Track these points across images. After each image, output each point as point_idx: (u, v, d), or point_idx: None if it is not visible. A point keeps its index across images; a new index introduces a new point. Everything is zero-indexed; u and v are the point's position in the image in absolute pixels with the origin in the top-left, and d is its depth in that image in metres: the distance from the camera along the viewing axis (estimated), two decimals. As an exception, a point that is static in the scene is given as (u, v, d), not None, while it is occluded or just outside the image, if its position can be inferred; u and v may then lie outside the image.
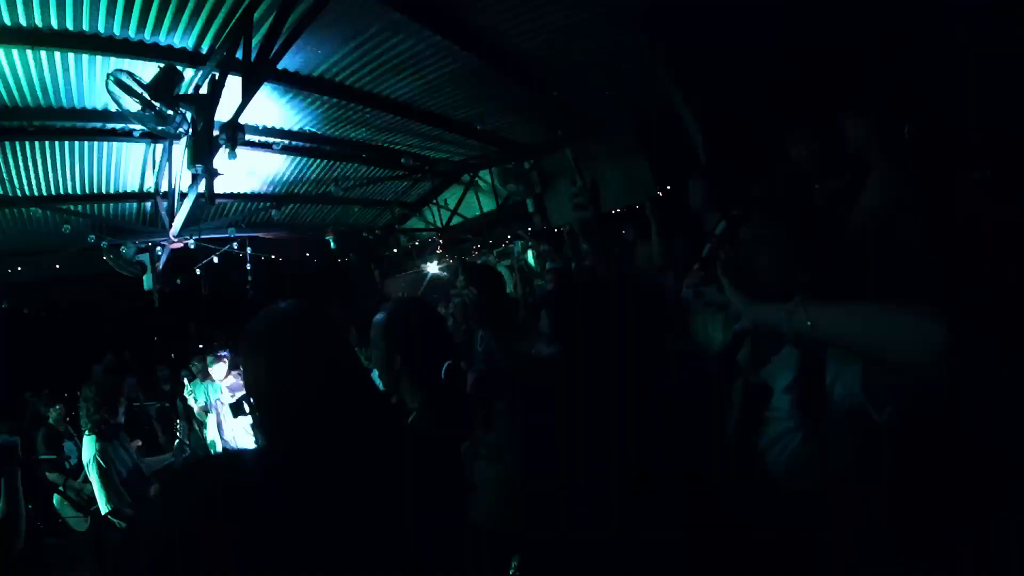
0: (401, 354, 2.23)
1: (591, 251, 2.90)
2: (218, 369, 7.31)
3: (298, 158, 7.78)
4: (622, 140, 8.26)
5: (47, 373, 8.87)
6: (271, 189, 8.43)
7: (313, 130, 7.23)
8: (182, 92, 5.19)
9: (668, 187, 7.70)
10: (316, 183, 8.59)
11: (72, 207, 7.06)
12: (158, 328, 8.68)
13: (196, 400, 7.52)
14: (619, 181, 8.23)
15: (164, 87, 4.87)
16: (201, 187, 5.90)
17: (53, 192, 6.74)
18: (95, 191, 7.02)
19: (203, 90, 5.39)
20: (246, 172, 7.66)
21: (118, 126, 5.98)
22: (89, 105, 5.57)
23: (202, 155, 5.39)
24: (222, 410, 6.98)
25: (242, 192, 8.24)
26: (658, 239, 5.42)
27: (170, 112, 4.99)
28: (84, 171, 6.60)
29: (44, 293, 8.81)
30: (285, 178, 8.24)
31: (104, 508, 4.42)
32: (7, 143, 5.71)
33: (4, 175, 6.17)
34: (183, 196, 6.51)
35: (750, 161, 4.70)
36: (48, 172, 6.41)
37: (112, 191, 7.14)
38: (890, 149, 2.55)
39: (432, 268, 10.76)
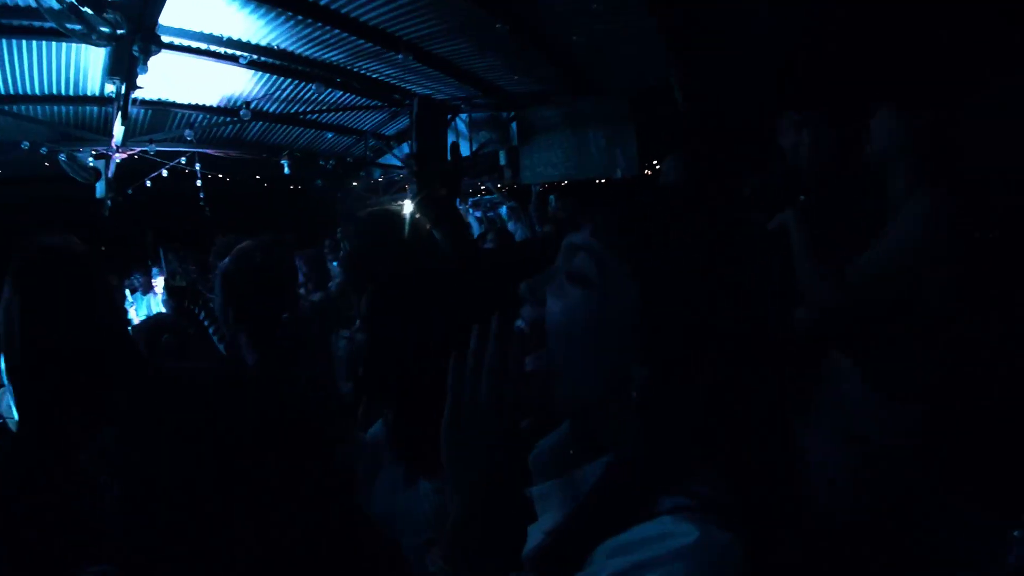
0: (235, 306, 2.06)
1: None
2: (157, 283, 7.34)
3: (268, 75, 7.28)
4: (615, 106, 7.84)
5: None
6: (237, 104, 7.91)
7: (284, 48, 6.74)
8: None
9: (654, 162, 7.37)
10: (287, 102, 8.10)
11: (25, 108, 6.69)
12: (106, 237, 8.30)
13: (137, 313, 7.39)
14: (600, 149, 7.90)
15: None
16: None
17: (8, 93, 6.37)
18: (54, 92, 6.59)
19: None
20: (208, 83, 7.19)
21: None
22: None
23: (118, 66, 5.08)
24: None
25: (204, 104, 7.74)
26: None
27: (93, 17, 4.48)
28: (44, 70, 6.16)
29: None
30: (254, 94, 7.73)
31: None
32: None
33: None
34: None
35: (741, 154, 4.44)
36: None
37: (72, 93, 6.70)
38: (938, 171, 2.20)
39: (408, 205, 10.36)
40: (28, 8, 4.95)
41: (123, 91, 5.68)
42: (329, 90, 7.84)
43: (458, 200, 7.47)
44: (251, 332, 2.10)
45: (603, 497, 0.84)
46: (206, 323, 3.32)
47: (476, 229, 8.77)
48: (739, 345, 0.83)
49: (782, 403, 0.87)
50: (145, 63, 5.13)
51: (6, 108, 6.51)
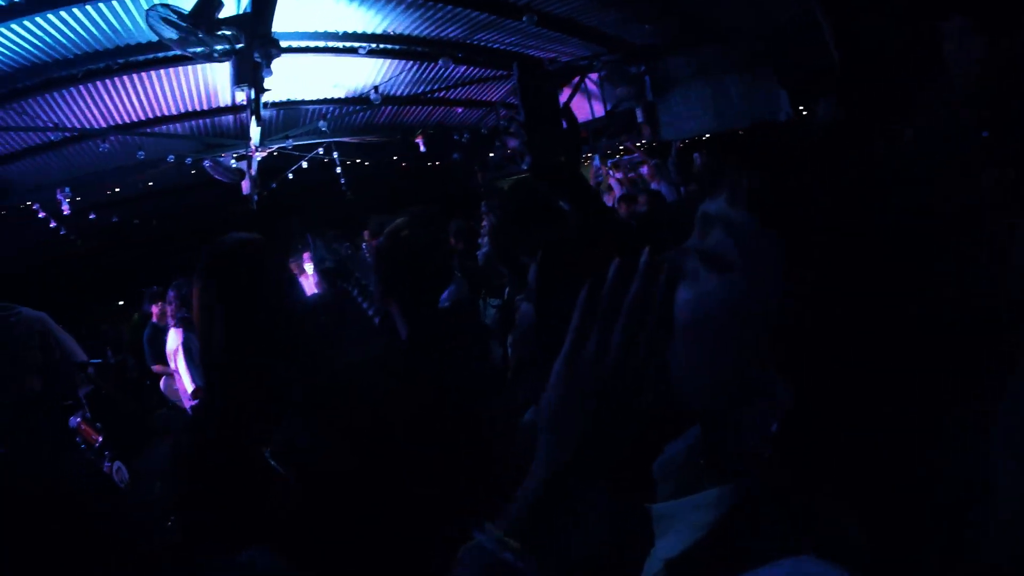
0: (387, 282, 2.07)
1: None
2: (307, 267, 7.55)
3: (390, 60, 7.32)
4: (748, 49, 7.04)
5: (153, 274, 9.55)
6: (365, 92, 8.01)
7: (401, 32, 6.74)
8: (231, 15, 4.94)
9: (800, 108, 6.48)
10: (413, 83, 8.09)
11: (167, 127, 7.32)
12: (258, 228, 8.93)
13: None
14: (741, 96, 7.13)
15: (203, 14, 4.57)
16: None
17: (152, 116, 7.00)
18: (192, 109, 7.16)
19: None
20: (333, 76, 7.36)
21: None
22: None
23: (244, 74, 5.23)
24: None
25: (332, 97, 7.93)
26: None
27: (209, 37, 4.72)
28: (179, 93, 6.74)
29: (148, 203, 9.36)
30: (379, 79, 7.78)
31: (189, 388, 5.15)
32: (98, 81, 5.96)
33: (108, 106, 6.50)
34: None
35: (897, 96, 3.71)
36: (142, 99, 6.62)
37: (208, 107, 7.24)
38: None
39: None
40: (151, 43, 5.34)
41: (252, 96, 5.97)
42: (452, 66, 7.72)
43: (596, 161, 7.07)
44: (404, 306, 2.09)
45: (727, 533, 0.71)
46: (360, 299, 3.41)
47: (618, 191, 8.35)
48: (927, 360, 0.62)
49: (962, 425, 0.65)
50: (268, 66, 5.33)
51: (150, 130, 7.14)
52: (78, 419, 3.67)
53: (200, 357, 1.78)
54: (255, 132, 6.91)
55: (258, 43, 5.12)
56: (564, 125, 1.74)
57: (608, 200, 8.30)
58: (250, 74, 5.35)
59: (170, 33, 4.62)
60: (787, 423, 0.66)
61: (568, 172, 1.79)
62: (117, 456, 5.40)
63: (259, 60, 5.23)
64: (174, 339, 5.27)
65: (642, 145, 8.59)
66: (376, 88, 7.81)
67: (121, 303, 10.40)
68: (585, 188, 1.88)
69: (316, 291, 7.46)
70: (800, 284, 0.64)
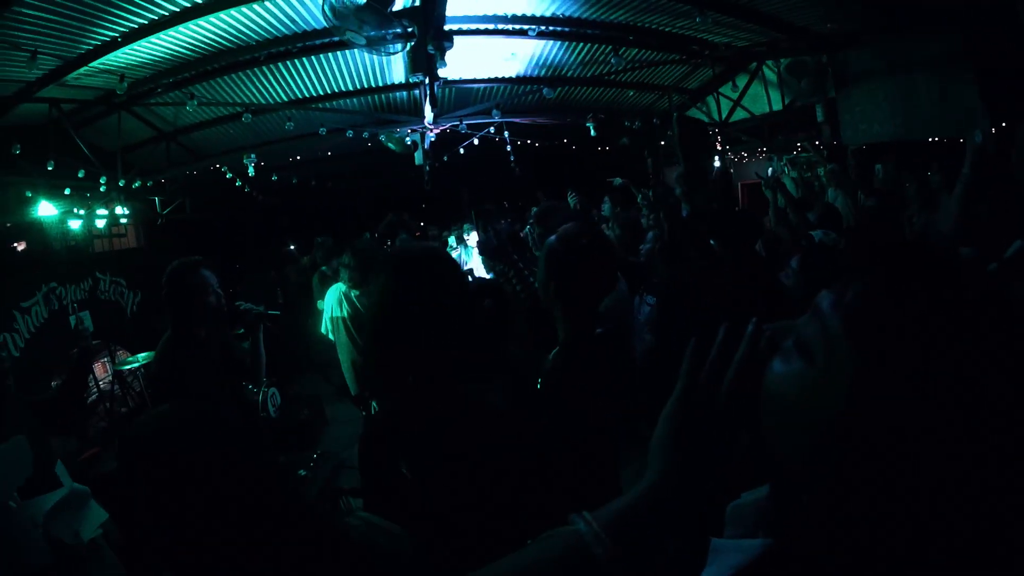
0: (556, 283, 2.17)
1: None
2: (473, 236, 7.96)
3: (560, 42, 7.26)
4: (943, 44, 5.94)
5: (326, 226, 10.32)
6: (536, 72, 8.05)
7: (570, 15, 6.67)
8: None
9: (1003, 123, 5.40)
10: (583, 65, 7.97)
11: (345, 102, 7.88)
12: (428, 197, 9.37)
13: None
14: (933, 101, 6.08)
15: (376, 6, 4.80)
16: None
17: (329, 92, 7.57)
18: (366, 86, 7.60)
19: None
20: (503, 57, 7.41)
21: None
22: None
23: (419, 64, 5.62)
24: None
25: (503, 76, 7.98)
26: (962, 200, 3.99)
27: (382, 31, 4.98)
28: (354, 71, 7.17)
29: (325, 166, 10.06)
30: (548, 61, 7.77)
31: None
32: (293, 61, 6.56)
33: (287, 85, 7.12)
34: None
35: None
36: (320, 77, 7.15)
37: (381, 84, 7.62)
38: None
39: (716, 163, 9.55)
40: (327, 29, 5.53)
41: (427, 82, 6.35)
42: (623, 49, 7.47)
43: (775, 158, 6.59)
44: (567, 308, 2.19)
45: None
46: (514, 282, 3.54)
47: (791, 189, 7.69)
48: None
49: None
50: (442, 58, 5.58)
51: (326, 105, 7.69)
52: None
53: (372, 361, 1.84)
54: (429, 113, 7.20)
55: (431, 36, 5.37)
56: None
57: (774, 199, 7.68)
58: (424, 64, 5.75)
59: (345, 23, 4.89)
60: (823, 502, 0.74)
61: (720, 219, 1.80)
62: (273, 383, 6.05)
63: (432, 52, 5.47)
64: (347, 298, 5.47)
65: (820, 146, 7.81)
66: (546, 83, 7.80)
67: (292, 247, 11.38)
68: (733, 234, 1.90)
69: (476, 260, 7.81)
70: (866, 399, 0.68)
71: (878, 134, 6.87)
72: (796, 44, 7.02)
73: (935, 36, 5.95)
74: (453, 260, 1.90)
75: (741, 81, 8.59)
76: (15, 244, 6.70)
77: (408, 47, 5.46)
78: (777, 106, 8.24)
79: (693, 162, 2.57)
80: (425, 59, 5.51)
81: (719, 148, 9.40)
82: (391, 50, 5.29)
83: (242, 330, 3.86)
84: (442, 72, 6.48)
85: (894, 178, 6.45)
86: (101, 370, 6.74)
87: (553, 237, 2.26)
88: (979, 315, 0.65)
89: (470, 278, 5.92)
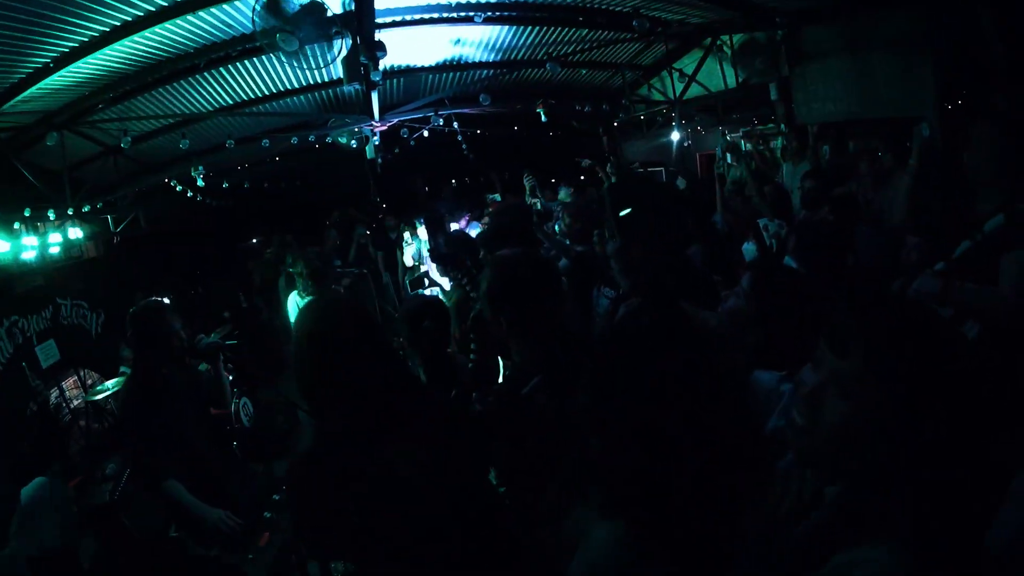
0: (505, 317, 2.18)
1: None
2: (422, 230, 8.19)
3: (509, 26, 7.13)
4: (901, 24, 5.88)
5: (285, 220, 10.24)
6: (485, 57, 7.95)
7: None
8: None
9: (952, 106, 5.44)
10: (533, 47, 7.86)
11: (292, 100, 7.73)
12: (381, 190, 9.34)
13: (412, 253, 8.69)
14: (893, 80, 6.03)
15: (308, 21, 4.67)
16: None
17: (274, 91, 7.39)
18: (313, 82, 7.43)
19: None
20: (449, 41, 7.29)
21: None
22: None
23: (354, 74, 5.47)
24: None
25: (450, 60, 7.86)
26: (910, 191, 4.08)
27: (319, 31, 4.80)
28: (298, 68, 6.79)
29: (276, 166, 9.92)
30: (497, 45, 7.66)
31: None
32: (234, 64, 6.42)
33: (231, 88, 6.96)
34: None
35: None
36: (264, 77, 7.00)
37: (328, 79, 7.44)
38: None
39: (676, 136, 9.56)
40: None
41: (365, 91, 6.29)
42: (573, 29, 7.44)
43: (728, 132, 6.64)
44: (519, 341, 2.22)
45: None
46: (468, 289, 3.56)
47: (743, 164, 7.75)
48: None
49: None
50: (376, 68, 5.55)
51: (277, 105, 7.56)
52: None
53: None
54: (375, 111, 7.12)
55: (364, 46, 5.23)
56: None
57: (735, 172, 7.72)
58: (359, 74, 5.63)
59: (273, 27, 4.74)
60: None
61: None
62: (244, 393, 6.09)
63: (365, 61, 5.38)
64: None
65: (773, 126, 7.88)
66: (550, 55, 7.66)
67: (255, 240, 11.28)
68: None
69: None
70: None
71: (831, 113, 6.88)
72: (751, 20, 7.01)
73: (893, 15, 5.93)
74: (358, 307, 2.07)
75: (691, 57, 8.55)
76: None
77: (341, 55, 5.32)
78: (733, 83, 8.20)
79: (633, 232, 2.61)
80: (360, 69, 5.44)
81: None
82: (324, 62, 5.18)
83: (203, 365, 3.91)
84: (387, 60, 6.35)
85: (840, 158, 6.54)
86: (73, 389, 6.69)
87: (489, 273, 2.26)
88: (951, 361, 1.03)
89: (425, 281, 5.97)
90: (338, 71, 7.09)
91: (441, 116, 8.15)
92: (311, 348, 1.84)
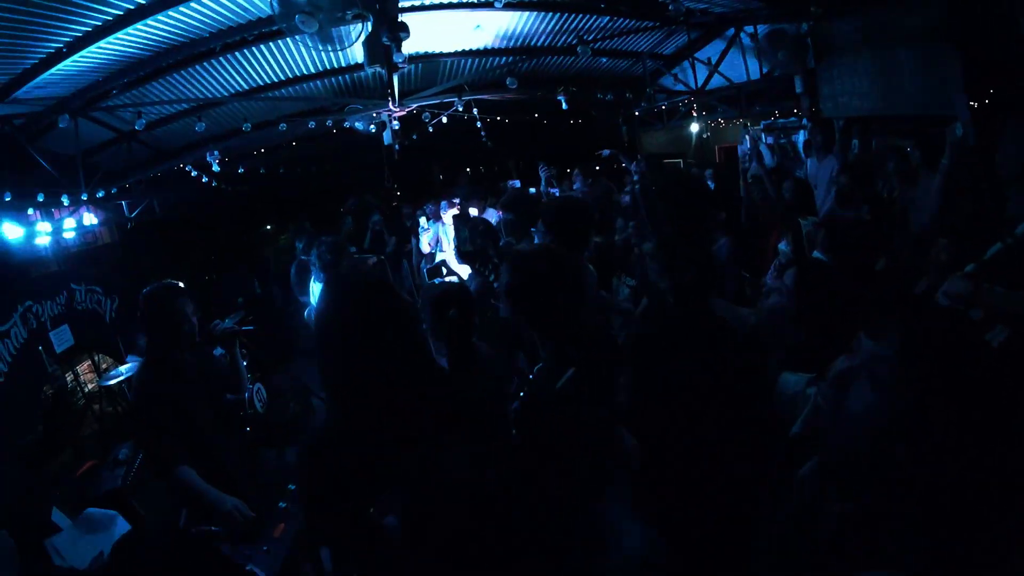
0: (527, 318, 2.19)
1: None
2: (448, 215, 8.05)
3: (529, 12, 7.01)
4: (926, 18, 5.73)
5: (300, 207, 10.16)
6: (504, 44, 7.83)
7: None
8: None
9: (984, 102, 5.27)
10: (554, 34, 7.76)
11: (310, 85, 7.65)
12: (397, 176, 9.25)
13: (429, 239, 8.48)
14: (915, 75, 5.91)
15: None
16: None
17: (290, 76, 7.32)
18: (328, 67, 7.40)
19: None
20: (469, 29, 7.17)
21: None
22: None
23: (376, 56, 5.34)
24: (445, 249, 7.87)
25: (471, 49, 7.74)
26: (942, 192, 3.95)
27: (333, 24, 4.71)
28: (314, 54, 6.92)
29: (293, 151, 9.84)
30: (517, 32, 7.55)
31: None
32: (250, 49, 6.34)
33: (247, 73, 6.90)
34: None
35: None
36: (280, 62, 6.93)
37: (344, 64, 7.42)
38: None
39: (695, 127, 9.41)
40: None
41: (386, 74, 6.01)
42: (594, 16, 7.31)
43: (748, 125, 6.53)
44: (543, 336, 2.21)
45: None
46: (492, 278, 3.49)
47: (768, 158, 7.58)
48: None
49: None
50: (399, 49, 5.37)
51: (292, 90, 7.47)
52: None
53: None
54: (396, 94, 6.98)
55: (386, 27, 5.11)
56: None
57: (756, 166, 7.58)
58: (381, 56, 5.46)
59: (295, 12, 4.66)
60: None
61: None
62: (258, 379, 6.06)
63: (388, 43, 5.24)
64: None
65: (798, 115, 7.70)
66: (580, 37, 7.53)
67: (269, 227, 11.24)
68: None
69: (450, 236, 7.72)
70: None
71: (857, 108, 6.75)
72: (775, 9, 6.84)
73: (918, 9, 5.79)
74: (389, 288, 1.93)
75: (713, 47, 8.39)
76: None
77: (363, 37, 5.22)
78: (756, 75, 8.05)
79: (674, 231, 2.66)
80: (382, 50, 5.30)
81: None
82: (346, 43, 5.08)
83: (219, 349, 3.86)
84: (407, 46, 6.26)
85: (866, 154, 6.37)
86: (87, 373, 6.68)
87: (508, 268, 2.24)
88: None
89: (444, 270, 5.88)
90: (355, 55, 7.10)
91: (463, 102, 8.01)
92: (332, 328, 1.75)
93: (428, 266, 7.83)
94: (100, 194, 6.96)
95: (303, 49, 6.61)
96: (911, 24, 5.86)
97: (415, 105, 7.77)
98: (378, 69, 5.49)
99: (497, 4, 6.31)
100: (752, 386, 2.20)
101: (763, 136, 8.38)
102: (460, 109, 8.25)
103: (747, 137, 7.78)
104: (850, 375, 1.92)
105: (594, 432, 2.05)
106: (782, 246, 4.57)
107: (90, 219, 7.32)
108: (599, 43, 8.06)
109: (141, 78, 6.14)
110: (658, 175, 7.17)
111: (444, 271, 5.95)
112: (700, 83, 8.74)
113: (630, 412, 2.19)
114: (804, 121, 7.62)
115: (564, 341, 2.12)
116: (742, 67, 8.19)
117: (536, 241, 3.77)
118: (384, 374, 1.69)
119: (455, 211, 8.00)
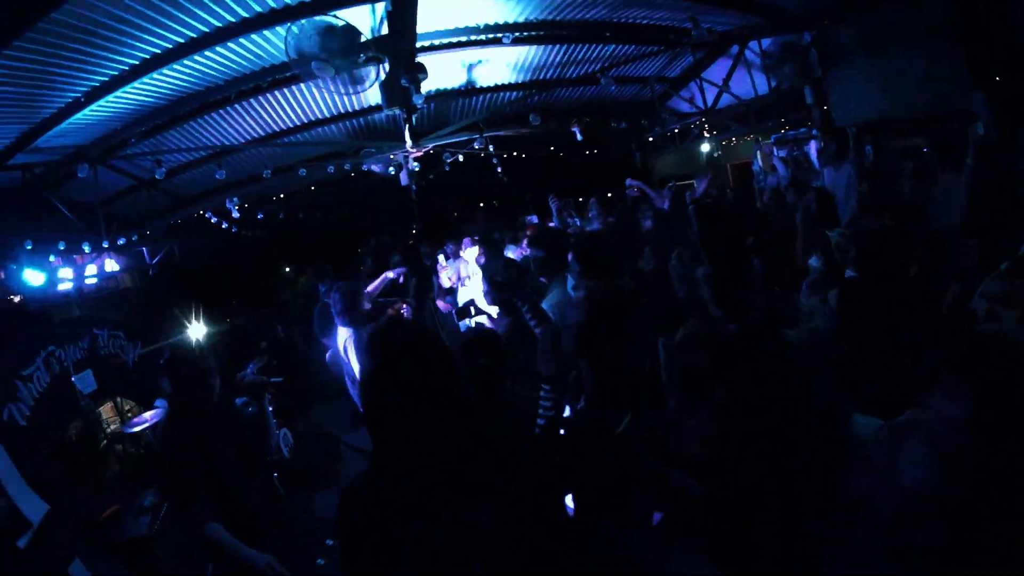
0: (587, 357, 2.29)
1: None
2: (469, 252, 7.79)
3: (536, 46, 7.10)
4: (927, 18, 5.73)
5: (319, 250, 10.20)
6: (517, 79, 7.93)
7: (543, 19, 6.49)
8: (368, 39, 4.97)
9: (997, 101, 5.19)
10: (562, 66, 7.85)
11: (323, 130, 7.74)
12: (417, 215, 9.27)
13: (448, 275, 8.25)
14: (919, 77, 5.91)
15: (341, 47, 4.62)
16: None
17: (305, 121, 7.41)
18: (343, 111, 7.49)
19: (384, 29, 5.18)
20: (478, 64, 7.25)
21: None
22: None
23: (394, 98, 5.33)
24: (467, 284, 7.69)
25: (484, 86, 7.83)
26: (970, 192, 3.87)
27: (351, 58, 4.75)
28: (327, 97, 7.03)
29: (311, 195, 9.94)
30: (526, 65, 7.62)
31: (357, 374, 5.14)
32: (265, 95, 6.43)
33: (261, 119, 6.97)
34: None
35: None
36: (294, 107, 7.02)
37: (359, 108, 7.52)
38: None
39: (706, 147, 9.39)
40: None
41: (404, 116, 6.14)
42: (600, 45, 7.38)
43: (760, 140, 6.50)
44: (604, 376, 2.27)
45: None
46: (528, 316, 3.40)
47: (782, 171, 7.54)
48: None
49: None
50: (419, 91, 5.38)
51: (308, 135, 7.53)
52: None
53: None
54: (409, 140, 7.01)
55: (404, 69, 5.18)
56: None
57: (772, 180, 7.51)
58: (399, 97, 5.48)
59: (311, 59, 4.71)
60: None
61: None
62: (284, 424, 6.02)
63: (407, 85, 5.28)
64: (343, 334, 5.31)
65: (809, 127, 7.66)
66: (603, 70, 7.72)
67: (288, 269, 11.28)
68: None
69: (469, 271, 7.66)
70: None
71: (867, 113, 6.68)
72: (776, 24, 6.85)
73: (920, 8, 5.77)
74: (434, 338, 1.98)
75: (719, 66, 8.41)
76: (11, 297, 6.65)
77: (380, 80, 5.26)
78: (763, 89, 8.03)
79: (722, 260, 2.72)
80: (400, 92, 5.31)
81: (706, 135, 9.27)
82: (362, 87, 5.12)
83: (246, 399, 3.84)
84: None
85: (881, 157, 6.32)
86: (111, 416, 6.65)
87: (587, 308, 2.41)
88: None
89: (472, 310, 5.73)
90: (370, 99, 7.19)
91: (481, 139, 8.08)
92: (375, 379, 1.78)
93: (450, 304, 7.72)
94: (121, 241, 7.05)
95: (316, 93, 6.73)
96: (913, 25, 5.85)
97: (431, 145, 7.81)
98: (396, 111, 5.50)
99: (505, 40, 6.41)
100: (819, 422, 2.13)
101: (775, 150, 8.34)
102: (478, 147, 8.31)
103: (759, 153, 7.76)
104: (908, 429, 1.83)
105: (647, 476, 2.08)
106: (812, 261, 4.51)
107: (112, 265, 7.39)
108: (609, 71, 8.11)
109: (158, 126, 6.27)
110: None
111: (473, 311, 5.80)
112: (709, 103, 8.78)
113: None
114: (814, 131, 7.57)
115: (622, 384, 2.18)
116: (748, 84, 8.21)
117: (570, 280, 3.75)
118: (432, 425, 1.71)
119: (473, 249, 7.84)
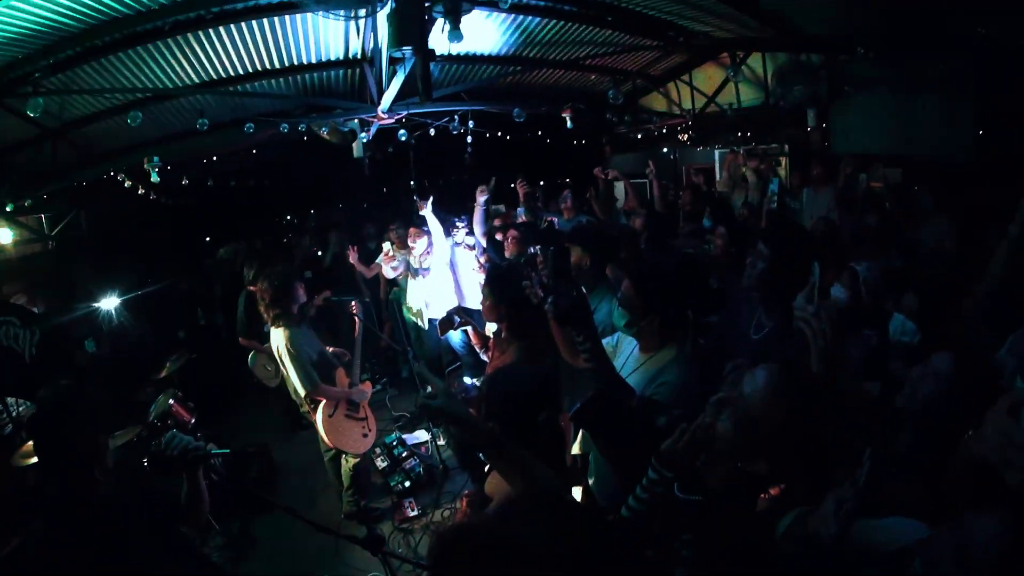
0: None
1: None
2: (420, 242, 6.81)
3: (524, 17, 6.28)
4: (949, 65, 5.66)
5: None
6: (494, 52, 7.10)
7: None
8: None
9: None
10: (546, 46, 7.12)
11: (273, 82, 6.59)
12: (367, 192, 8.31)
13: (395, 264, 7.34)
14: (932, 121, 6.00)
15: None
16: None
17: (252, 70, 6.23)
18: (296, 63, 6.34)
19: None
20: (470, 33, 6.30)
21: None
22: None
23: (410, 32, 4.03)
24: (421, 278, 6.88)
25: (456, 53, 6.85)
26: (1008, 261, 3.56)
27: None
28: (281, 45, 5.86)
29: (245, 160, 8.70)
30: (510, 39, 6.82)
31: (302, 392, 4.58)
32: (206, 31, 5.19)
33: (199, 63, 5.73)
34: (393, 66, 5.27)
35: None
36: (242, 52, 5.84)
37: (315, 60, 6.40)
38: None
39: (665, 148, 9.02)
40: None
41: (416, 61, 4.55)
42: (598, 29, 6.76)
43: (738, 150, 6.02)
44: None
45: None
46: (586, 355, 2.58)
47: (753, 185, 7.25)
48: None
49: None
50: (456, 27, 4.07)
51: (252, 86, 6.43)
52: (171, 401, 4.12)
53: None
54: (388, 98, 5.90)
55: None
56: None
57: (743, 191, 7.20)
58: (416, 33, 4.14)
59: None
60: None
61: None
62: (210, 438, 4.96)
63: (437, 16, 4.08)
64: (275, 337, 4.58)
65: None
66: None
67: (208, 239, 9.97)
68: None
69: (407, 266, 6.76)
70: None
71: (871, 147, 6.71)
72: (788, 41, 6.58)
73: (940, 58, 5.75)
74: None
75: (702, 71, 8.26)
76: None
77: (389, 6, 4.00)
78: (750, 102, 7.89)
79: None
80: (420, 25, 4.06)
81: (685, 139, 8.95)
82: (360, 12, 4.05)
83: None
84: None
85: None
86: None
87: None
88: None
89: (456, 319, 4.80)
90: (327, 50, 6.17)
91: (457, 115, 7.37)
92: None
93: (437, 319, 6.54)
94: (10, 207, 5.70)
95: (268, 38, 5.61)
96: (933, 70, 5.86)
97: (404, 112, 6.80)
98: (407, 55, 4.30)
99: (503, 5, 5.56)
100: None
101: (747, 163, 8.16)
102: (457, 122, 7.49)
103: (726, 160, 7.50)
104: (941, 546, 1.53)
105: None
106: (835, 291, 4.21)
107: (4, 236, 6.02)
108: (594, 60, 7.59)
109: (70, 58, 4.89)
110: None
111: (457, 320, 4.80)
112: (688, 106, 8.54)
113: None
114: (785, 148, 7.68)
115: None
116: (732, 94, 8.01)
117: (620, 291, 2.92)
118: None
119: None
